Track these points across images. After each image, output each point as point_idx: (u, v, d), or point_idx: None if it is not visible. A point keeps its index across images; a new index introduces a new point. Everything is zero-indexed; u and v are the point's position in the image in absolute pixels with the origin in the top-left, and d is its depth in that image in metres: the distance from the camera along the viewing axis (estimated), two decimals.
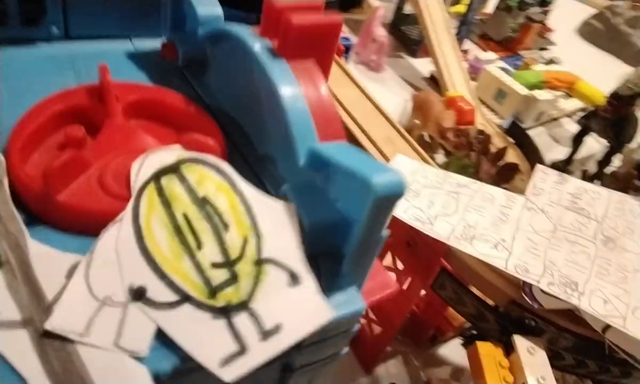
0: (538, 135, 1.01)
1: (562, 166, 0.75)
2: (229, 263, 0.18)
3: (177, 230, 0.18)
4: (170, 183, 0.19)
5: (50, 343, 0.15)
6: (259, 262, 0.18)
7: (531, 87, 1.01)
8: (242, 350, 0.16)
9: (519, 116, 1.01)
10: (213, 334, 0.16)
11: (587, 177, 0.69)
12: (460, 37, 1.01)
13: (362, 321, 0.60)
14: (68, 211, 0.18)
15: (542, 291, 0.43)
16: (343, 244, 0.19)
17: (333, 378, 0.60)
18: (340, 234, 0.19)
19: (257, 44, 0.21)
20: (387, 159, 0.66)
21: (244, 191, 0.20)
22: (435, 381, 0.55)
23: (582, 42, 1.19)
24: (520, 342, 0.44)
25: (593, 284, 0.46)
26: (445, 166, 0.88)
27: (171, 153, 0.20)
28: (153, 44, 0.30)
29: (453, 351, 0.65)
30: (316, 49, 0.21)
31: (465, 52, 1.11)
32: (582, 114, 0.85)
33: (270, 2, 0.21)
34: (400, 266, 0.57)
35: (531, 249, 0.49)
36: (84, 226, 0.18)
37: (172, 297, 0.17)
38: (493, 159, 0.83)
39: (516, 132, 0.94)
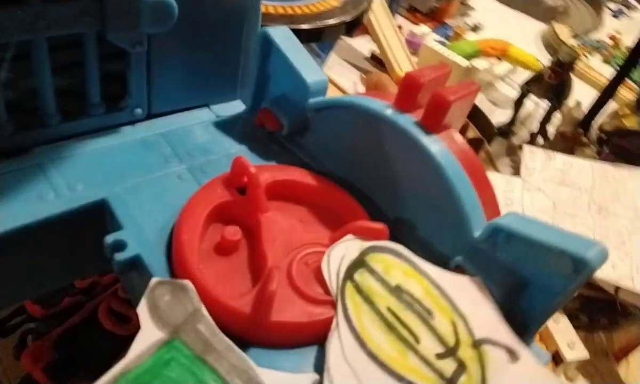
0: (479, 102, 1.06)
1: (507, 128, 0.80)
2: (450, 351, 0.19)
3: (389, 326, 0.19)
4: (363, 278, 0.20)
5: None
6: (476, 345, 0.19)
7: (468, 57, 1.05)
8: None
9: None
10: None
11: (533, 137, 0.74)
12: (391, 11, 1.04)
13: None
14: (281, 328, 0.18)
15: None
16: (531, 309, 0.20)
17: None
18: (529, 300, 0.20)
19: (403, 120, 0.22)
20: None
21: (429, 272, 0.20)
22: None
23: (498, 4, 1.28)
24: None
25: None
26: None
27: (352, 245, 0.20)
28: (230, 107, 0.30)
29: None
30: (456, 117, 0.22)
31: (399, 27, 1.13)
32: (512, 76, 0.90)
33: (411, 76, 0.22)
34: None
35: None
36: (297, 338, 0.19)
37: None
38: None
39: None
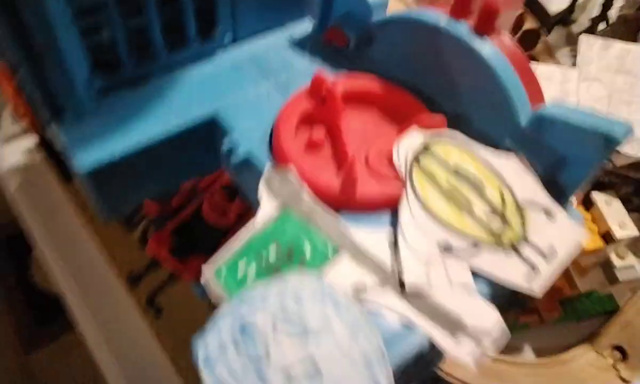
0: None
1: (566, 15, 0.78)
2: (498, 212, 0.24)
3: (448, 195, 0.24)
4: (427, 162, 0.25)
5: (410, 293, 0.22)
6: (519, 206, 0.24)
7: None
8: (534, 271, 0.22)
9: None
10: (510, 264, 0.22)
11: (594, 23, 0.73)
12: None
13: None
14: (364, 201, 0.24)
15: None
16: (569, 179, 0.24)
17: None
18: (567, 173, 0.24)
19: (458, 29, 0.26)
20: None
21: (482, 154, 0.25)
22: None
23: None
24: (598, 197, 0.51)
25: None
26: None
27: (416, 135, 0.25)
28: (304, 27, 0.34)
29: None
30: (506, 19, 0.26)
31: None
32: None
33: None
34: None
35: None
36: (376, 207, 0.24)
37: (471, 245, 0.23)
38: (513, 27, 0.86)
39: None
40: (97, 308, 0.43)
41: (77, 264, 0.45)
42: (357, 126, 0.28)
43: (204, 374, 0.19)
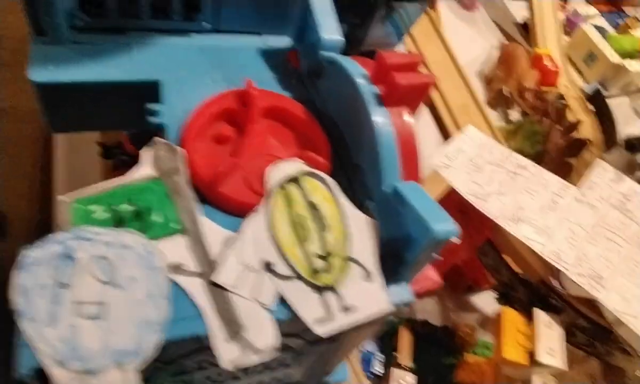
0: (619, 105, 1.00)
1: (637, 143, 0.77)
2: (326, 256, 0.26)
3: (294, 225, 0.27)
4: (292, 189, 0.28)
5: (215, 289, 0.25)
6: (346, 259, 0.27)
7: (625, 54, 0.98)
8: (329, 317, 0.25)
9: (605, 83, 1.00)
10: (311, 303, 0.25)
11: None
12: None
13: None
14: (226, 199, 0.27)
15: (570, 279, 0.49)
16: (406, 255, 0.27)
17: None
18: (406, 247, 0.27)
19: (367, 88, 0.29)
20: (459, 128, 0.71)
21: (342, 203, 0.28)
22: (462, 325, 0.64)
23: None
24: (540, 316, 0.52)
25: (617, 281, 0.53)
26: (516, 128, 0.91)
27: (295, 166, 0.28)
28: (279, 40, 0.38)
29: (484, 301, 0.74)
30: (410, 100, 0.29)
31: (565, 2, 1.07)
32: None
33: (381, 56, 0.28)
34: None
35: (570, 239, 0.55)
36: (233, 210, 0.28)
37: (288, 272, 0.26)
38: (565, 130, 0.86)
39: (598, 101, 0.95)
40: None
41: None
42: (264, 139, 0.31)
43: (18, 273, 0.23)
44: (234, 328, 0.24)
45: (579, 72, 1.06)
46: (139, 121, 0.33)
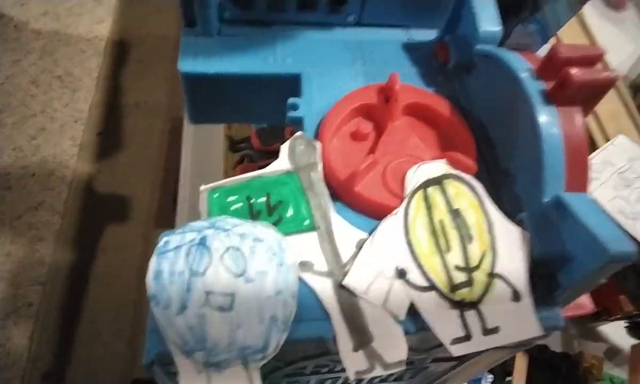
0: None
1: None
2: (468, 269, 0.24)
3: (434, 232, 0.24)
4: (434, 193, 0.25)
5: (344, 292, 0.23)
6: (491, 275, 0.23)
7: None
8: (467, 337, 0.22)
9: None
10: (449, 320, 0.23)
11: None
12: None
13: None
14: (361, 199, 0.26)
15: None
16: (562, 276, 0.23)
17: None
18: (563, 268, 0.23)
19: (532, 84, 0.25)
20: (608, 137, 0.62)
21: (490, 212, 0.25)
22: (589, 356, 0.56)
23: None
24: None
25: None
26: None
27: (438, 167, 0.26)
28: (427, 34, 0.35)
29: (615, 331, 0.64)
30: (585, 99, 0.24)
31: None
32: None
33: (555, 48, 0.25)
34: None
35: None
36: (369, 211, 0.26)
37: (424, 283, 0.23)
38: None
39: None
40: None
41: None
42: (405, 137, 0.29)
43: (153, 258, 0.23)
44: (361, 336, 0.22)
45: None
46: (279, 115, 0.33)
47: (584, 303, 0.28)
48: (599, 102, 0.25)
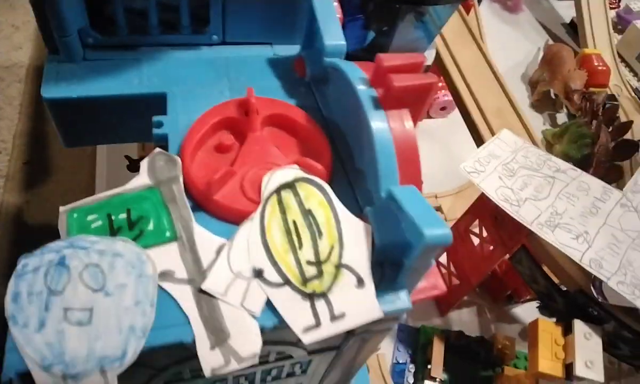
0: None
1: None
2: (318, 262, 0.26)
3: (287, 232, 0.27)
4: (287, 196, 0.27)
5: (203, 296, 0.25)
6: (339, 266, 0.26)
7: None
8: (317, 324, 0.24)
9: None
10: (301, 311, 0.25)
11: None
12: None
13: (443, 270, 0.67)
14: (220, 207, 0.27)
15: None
16: (403, 260, 0.26)
17: (412, 312, 0.69)
18: (403, 253, 0.26)
19: (364, 91, 0.28)
20: (493, 132, 0.68)
21: (338, 209, 0.27)
22: (500, 337, 0.62)
23: None
24: (579, 326, 0.49)
25: None
26: (563, 131, 0.87)
27: (291, 172, 0.28)
28: (290, 49, 0.38)
29: (526, 312, 0.70)
30: (412, 102, 0.28)
31: None
32: None
33: (379, 59, 0.28)
34: (485, 233, 0.61)
35: (612, 245, 0.51)
36: (229, 217, 0.28)
37: (279, 279, 0.25)
38: (615, 132, 0.81)
39: None
40: None
41: None
42: (265, 147, 0.31)
43: (12, 280, 0.24)
44: (219, 335, 0.24)
45: (633, 71, 1.00)
46: (147, 134, 0.34)
47: (437, 284, 0.31)
48: (426, 103, 0.28)
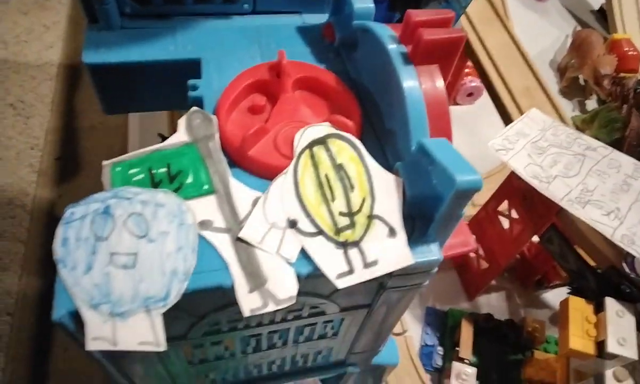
0: None
1: None
2: (350, 213, 0.26)
3: (320, 185, 0.27)
4: (319, 151, 0.28)
5: (241, 245, 0.26)
6: (370, 217, 0.26)
7: None
8: (350, 271, 0.25)
9: None
10: (335, 258, 0.25)
11: None
12: None
13: (472, 255, 0.67)
14: (254, 163, 0.28)
15: None
16: (434, 213, 0.26)
17: (439, 296, 0.69)
18: (433, 206, 0.26)
19: (394, 48, 0.28)
20: (521, 111, 0.68)
21: (368, 163, 0.28)
22: (530, 320, 0.61)
23: None
24: (612, 304, 0.48)
25: None
26: (593, 116, 0.86)
27: (322, 129, 0.29)
28: (319, 18, 0.39)
29: (556, 297, 0.69)
30: (441, 57, 0.28)
31: None
32: None
33: (409, 14, 0.28)
34: (514, 214, 0.61)
35: None
36: (263, 173, 0.28)
37: (312, 229, 0.26)
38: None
39: None
40: None
41: None
42: (296, 107, 0.32)
43: (60, 226, 0.25)
44: (257, 280, 0.25)
45: None
46: (183, 100, 0.35)
47: (467, 240, 0.31)
48: (455, 59, 0.29)
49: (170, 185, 0.27)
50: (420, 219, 0.27)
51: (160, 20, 0.36)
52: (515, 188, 0.59)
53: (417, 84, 0.27)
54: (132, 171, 0.28)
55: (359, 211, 0.27)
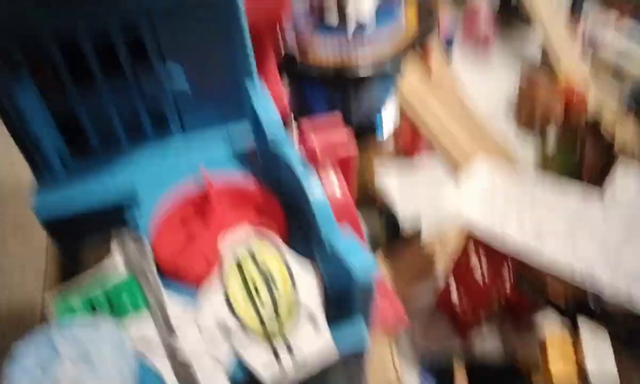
0: None
1: None
2: (276, 311, 0.29)
3: (245, 284, 0.30)
4: (244, 255, 0.32)
5: (177, 358, 0.28)
6: (295, 313, 0.29)
7: None
8: (277, 362, 0.28)
9: None
10: (261, 354, 0.28)
11: None
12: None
13: (454, 301, 0.67)
14: (184, 272, 0.32)
15: None
16: (348, 302, 0.29)
17: (431, 336, 0.67)
18: (348, 294, 0.29)
19: (295, 157, 0.32)
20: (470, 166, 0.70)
21: (288, 259, 0.31)
22: (523, 355, 0.61)
23: None
24: (585, 324, 0.52)
25: None
26: (548, 161, 0.87)
27: (246, 234, 0.32)
28: (242, 124, 0.42)
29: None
30: (332, 155, 0.32)
31: (578, 17, 1.03)
32: None
33: (300, 123, 0.32)
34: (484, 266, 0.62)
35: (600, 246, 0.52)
36: (192, 281, 0.31)
37: (242, 332, 0.29)
38: (601, 152, 0.82)
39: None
40: None
41: None
42: (223, 216, 0.35)
43: (6, 363, 0.27)
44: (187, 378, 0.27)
45: (612, 79, 1.01)
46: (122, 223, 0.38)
47: (396, 313, 0.34)
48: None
49: (108, 306, 0.30)
50: (342, 303, 0.30)
51: (101, 156, 0.40)
52: (476, 242, 0.61)
53: (317, 189, 0.31)
54: (73, 301, 0.30)
55: (284, 305, 0.29)
